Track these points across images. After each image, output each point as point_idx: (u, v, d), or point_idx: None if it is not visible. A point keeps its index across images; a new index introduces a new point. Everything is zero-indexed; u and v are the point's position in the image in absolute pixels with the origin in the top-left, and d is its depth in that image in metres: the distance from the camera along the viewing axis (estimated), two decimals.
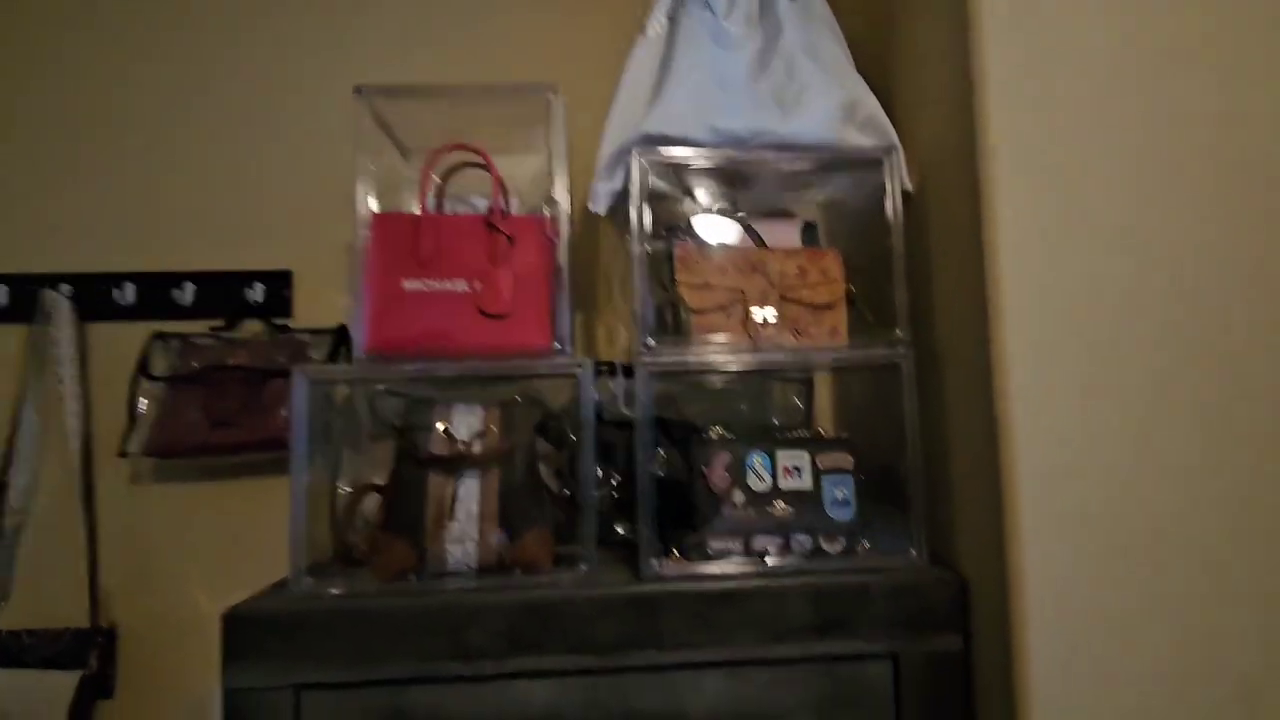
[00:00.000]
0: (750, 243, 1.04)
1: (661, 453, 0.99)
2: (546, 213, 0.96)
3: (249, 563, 1.10)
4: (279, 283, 1.30)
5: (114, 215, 1.30)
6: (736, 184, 1.08)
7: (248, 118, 1.34)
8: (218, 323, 1.28)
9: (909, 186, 0.98)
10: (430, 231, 0.94)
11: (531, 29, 1.37)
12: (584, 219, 1.33)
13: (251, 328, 1.29)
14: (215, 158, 1.32)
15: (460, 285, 0.93)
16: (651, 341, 0.91)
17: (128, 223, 1.30)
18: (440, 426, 0.94)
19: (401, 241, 0.93)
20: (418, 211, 0.96)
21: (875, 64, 1.06)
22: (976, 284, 0.81)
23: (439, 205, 1.02)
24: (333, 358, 1.24)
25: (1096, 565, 0.76)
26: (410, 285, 0.93)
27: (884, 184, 0.98)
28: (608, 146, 0.97)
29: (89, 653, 1.16)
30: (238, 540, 1.24)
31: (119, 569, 1.23)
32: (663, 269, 0.97)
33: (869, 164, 0.99)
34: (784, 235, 1.06)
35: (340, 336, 1.25)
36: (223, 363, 1.21)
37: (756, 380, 1.13)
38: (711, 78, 0.97)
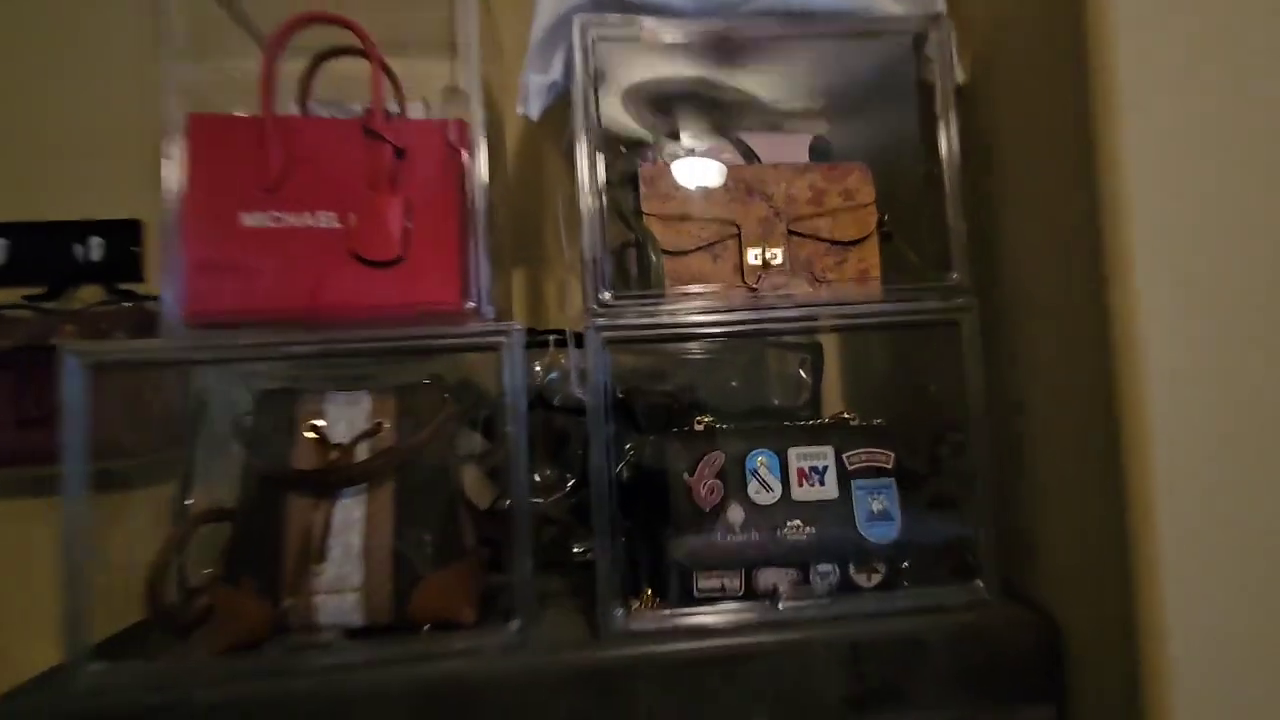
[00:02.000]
0: (739, 158, 0.76)
1: (630, 450, 0.72)
2: (452, 115, 0.66)
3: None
4: (124, 236, 0.99)
5: None
6: (720, 95, 0.80)
7: (63, 25, 1.00)
8: (37, 290, 0.96)
9: (961, 75, 0.71)
10: (281, 142, 0.64)
11: None
12: (524, 137, 1.03)
13: (86, 295, 0.98)
14: (30, 91, 0.99)
15: (327, 219, 0.64)
16: (606, 296, 0.63)
17: None
18: (308, 426, 0.65)
19: (237, 158, 0.63)
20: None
21: None
22: (1082, 210, 0.55)
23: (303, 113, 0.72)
24: None
25: (1272, 605, 0.52)
26: (251, 220, 0.63)
27: (921, 71, 0.70)
28: (541, 18, 0.68)
29: None
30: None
31: None
32: (624, 198, 0.69)
33: (900, 42, 0.71)
34: (785, 148, 0.78)
35: None
36: (42, 342, 0.90)
37: (754, 348, 0.86)
38: None
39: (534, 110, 0.70)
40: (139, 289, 0.98)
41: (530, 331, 0.86)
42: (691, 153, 0.75)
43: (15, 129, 0.99)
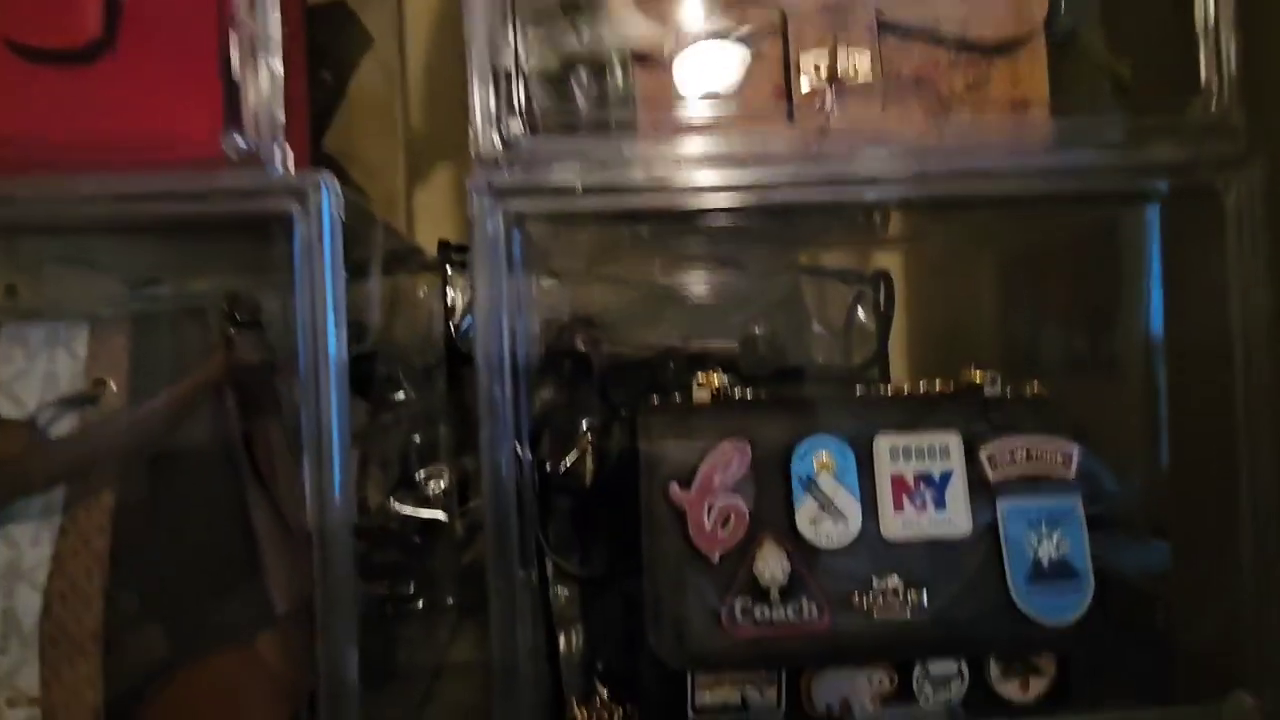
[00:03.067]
0: None
1: (587, 438, 0.40)
2: None
3: None
4: None
5: None
6: None
7: None
8: None
9: None
10: None
11: None
12: None
13: None
14: None
15: None
16: (514, 129, 0.31)
17: None
18: None
19: None
20: None
21: None
22: None
23: None
24: None
25: None
26: None
27: None
28: None
29: None
30: None
31: None
32: None
33: None
34: None
35: None
36: None
37: (787, 269, 0.54)
38: None
39: None
40: None
41: (443, 247, 0.55)
42: None
43: None
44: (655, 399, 0.36)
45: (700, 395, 0.36)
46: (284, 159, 0.31)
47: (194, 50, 0.32)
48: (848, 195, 0.35)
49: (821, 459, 0.34)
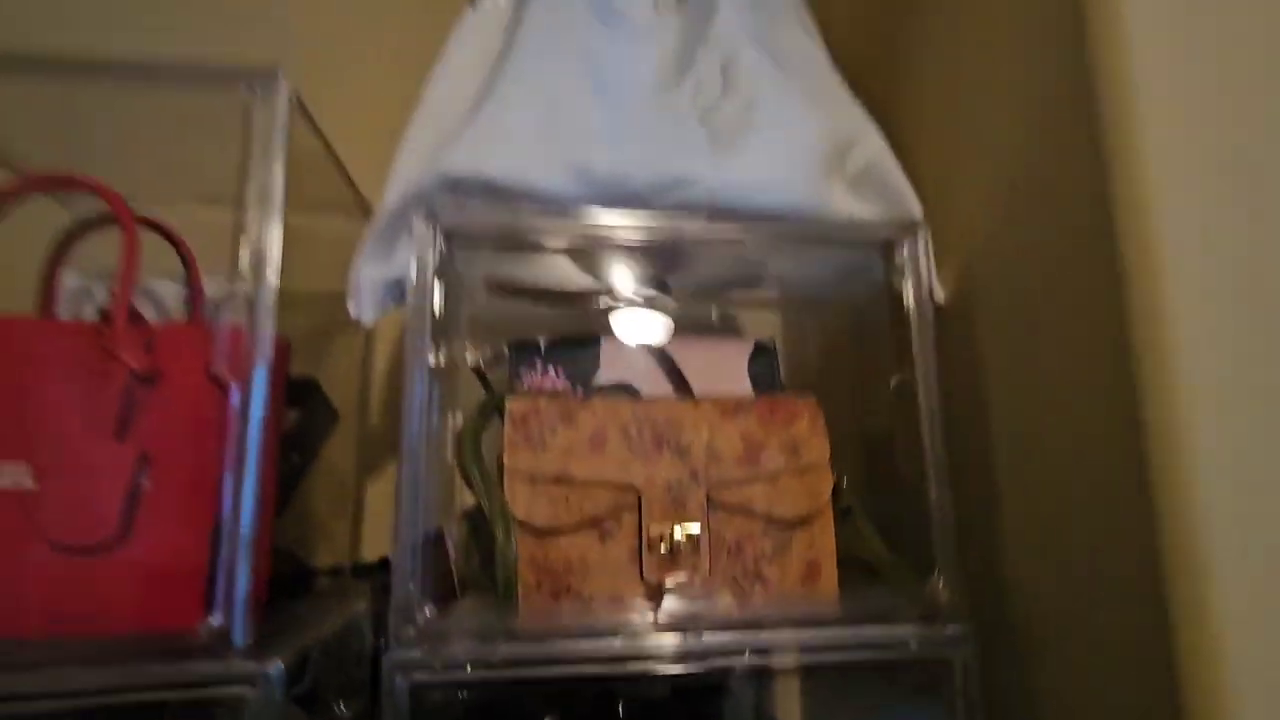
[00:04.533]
0: (661, 378, 0.58)
1: None
2: (226, 316, 0.46)
3: None
4: None
5: None
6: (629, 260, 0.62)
7: None
8: None
9: (939, 294, 0.54)
10: None
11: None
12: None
13: None
14: None
15: (15, 474, 0.42)
16: (422, 617, 0.42)
17: None
18: None
19: None
20: None
21: (868, 84, 0.63)
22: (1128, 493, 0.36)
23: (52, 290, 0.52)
24: None
25: None
26: None
27: (890, 281, 0.54)
28: (390, 196, 0.50)
29: None
30: None
31: None
32: (468, 446, 0.49)
33: (865, 248, 0.54)
34: (720, 364, 0.60)
35: None
36: None
37: None
38: (585, 80, 0.51)
39: (366, 312, 0.51)
40: None
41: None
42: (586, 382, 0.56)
43: None
44: None
45: None
46: (245, 640, 0.41)
47: (185, 537, 0.43)
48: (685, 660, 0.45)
49: None
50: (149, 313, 0.55)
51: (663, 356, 0.60)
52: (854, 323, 0.64)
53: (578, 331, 0.60)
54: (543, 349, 0.59)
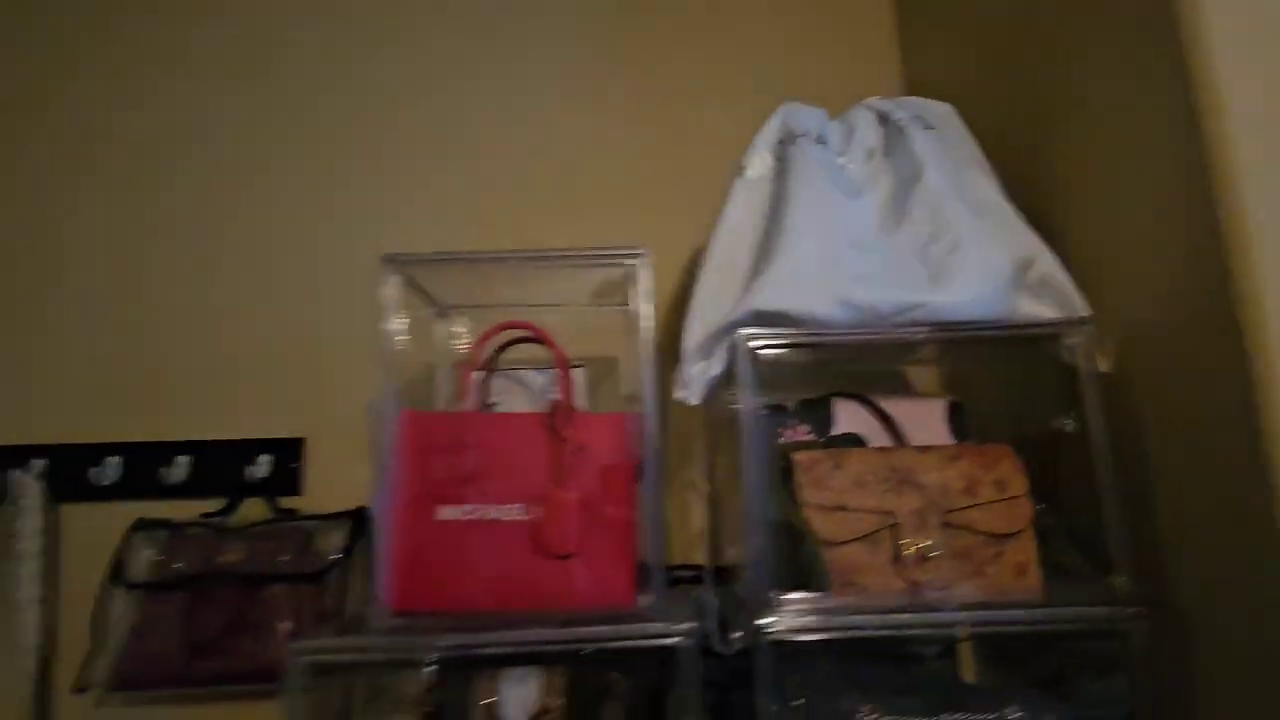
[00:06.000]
0: (886, 437, 0.80)
1: None
2: (629, 410, 0.73)
3: None
4: (288, 453, 1.09)
5: (97, 378, 1.11)
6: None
7: (253, 269, 1.16)
8: (215, 503, 1.06)
9: (1105, 365, 0.74)
10: (477, 435, 0.71)
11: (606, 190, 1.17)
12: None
13: (250, 512, 1.06)
14: (219, 315, 1.14)
15: (515, 511, 0.70)
16: (781, 595, 0.66)
17: (112, 386, 1.11)
18: (484, 704, 0.69)
19: (438, 450, 0.71)
20: (458, 402, 0.74)
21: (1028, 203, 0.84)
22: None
23: (485, 386, 0.81)
24: (348, 550, 1.01)
25: None
26: (447, 514, 0.69)
27: (1058, 357, 0.74)
28: (700, 323, 0.75)
29: None
30: None
31: None
32: (777, 486, 0.73)
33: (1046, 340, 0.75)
34: (925, 422, 0.82)
35: (358, 524, 1.02)
36: (212, 563, 0.98)
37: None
38: (838, 233, 0.75)
39: (695, 397, 0.76)
40: (298, 505, 1.07)
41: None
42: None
43: (209, 364, 1.12)
44: None
45: None
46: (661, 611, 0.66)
47: (618, 548, 0.69)
48: (935, 625, 0.67)
49: None
50: (523, 394, 0.83)
51: (880, 412, 0.83)
52: (1022, 402, 0.84)
53: (815, 395, 0.84)
54: (791, 410, 0.83)
